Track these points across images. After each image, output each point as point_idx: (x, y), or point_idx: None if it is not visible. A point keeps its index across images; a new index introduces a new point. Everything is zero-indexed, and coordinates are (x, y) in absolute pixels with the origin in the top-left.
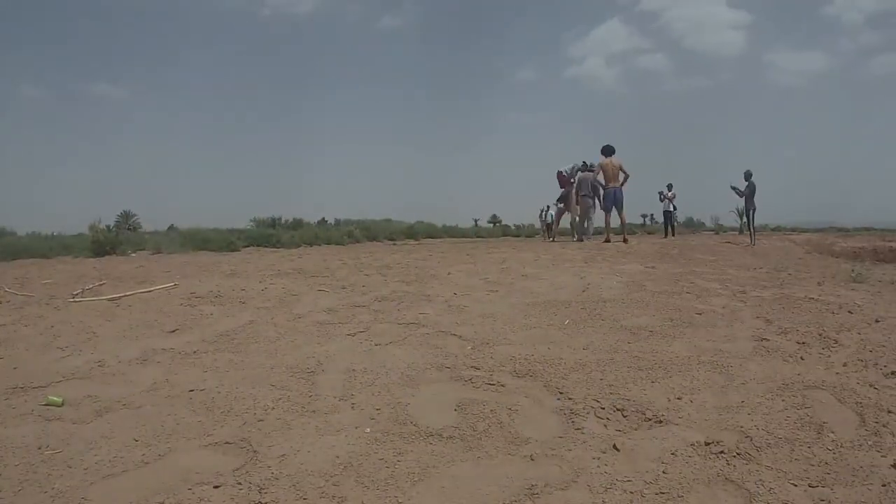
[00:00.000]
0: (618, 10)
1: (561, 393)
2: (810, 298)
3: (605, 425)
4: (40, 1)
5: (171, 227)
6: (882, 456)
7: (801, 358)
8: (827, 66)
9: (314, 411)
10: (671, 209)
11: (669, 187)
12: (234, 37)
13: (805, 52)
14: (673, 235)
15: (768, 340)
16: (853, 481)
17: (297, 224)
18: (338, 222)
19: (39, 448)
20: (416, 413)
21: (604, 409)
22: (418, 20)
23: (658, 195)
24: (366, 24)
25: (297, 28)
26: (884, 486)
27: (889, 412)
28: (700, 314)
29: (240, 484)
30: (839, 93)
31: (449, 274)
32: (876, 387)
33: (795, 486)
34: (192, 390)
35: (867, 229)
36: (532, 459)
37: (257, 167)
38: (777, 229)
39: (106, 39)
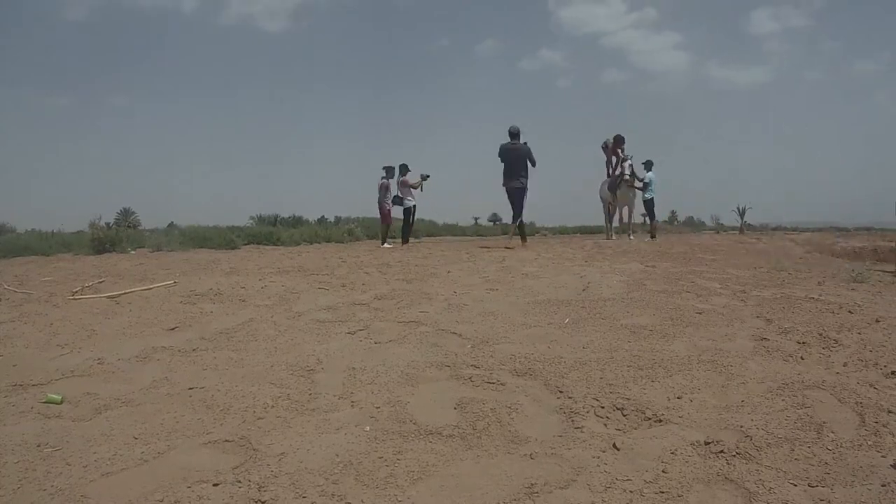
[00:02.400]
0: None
1: (561, 392)
2: (811, 298)
3: (605, 424)
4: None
5: (170, 225)
6: (882, 456)
7: (802, 357)
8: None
9: (314, 409)
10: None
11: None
12: (232, 45)
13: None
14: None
15: (768, 340)
16: (853, 481)
17: (297, 222)
18: (338, 220)
19: (38, 446)
20: (416, 411)
21: (603, 408)
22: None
23: None
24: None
25: (290, 37)
26: (883, 486)
27: (889, 412)
28: (700, 313)
29: (239, 482)
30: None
31: (449, 272)
32: (876, 387)
33: (795, 485)
34: (191, 388)
35: (868, 229)
36: (532, 458)
37: (257, 165)
38: (777, 229)
39: (109, 48)
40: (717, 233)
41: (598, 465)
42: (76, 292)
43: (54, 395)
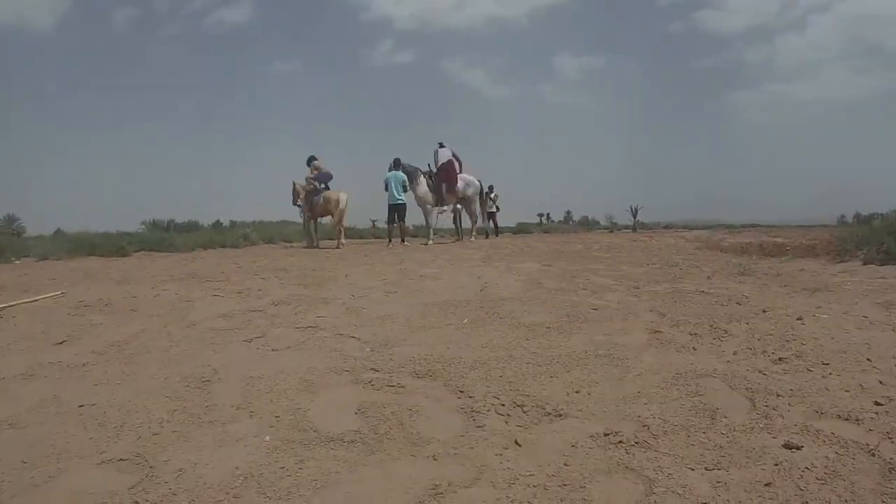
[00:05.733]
0: None
1: (461, 392)
2: (701, 291)
3: (506, 422)
4: None
5: (57, 231)
6: (773, 437)
7: (694, 348)
8: None
9: (211, 422)
10: (494, 210)
11: (491, 189)
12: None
13: None
14: (497, 236)
15: (662, 333)
16: (747, 462)
17: (192, 226)
18: (233, 224)
19: None
20: (317, 418)
21: (504, 405)
22: None
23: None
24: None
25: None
26: (776, 465)
27: (778, 395)
28: (596, 310)
29: (136, 503)
30: None
31: (346, 276)
32: (765, 373)
33: (693, 470)
34: (82, 405)
35: (754, 226)
36: (435, 459)
37: (148, 167)
38: (669, 227)
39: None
40: (611, 231)
41: (501, 463)
42: None
43: None
